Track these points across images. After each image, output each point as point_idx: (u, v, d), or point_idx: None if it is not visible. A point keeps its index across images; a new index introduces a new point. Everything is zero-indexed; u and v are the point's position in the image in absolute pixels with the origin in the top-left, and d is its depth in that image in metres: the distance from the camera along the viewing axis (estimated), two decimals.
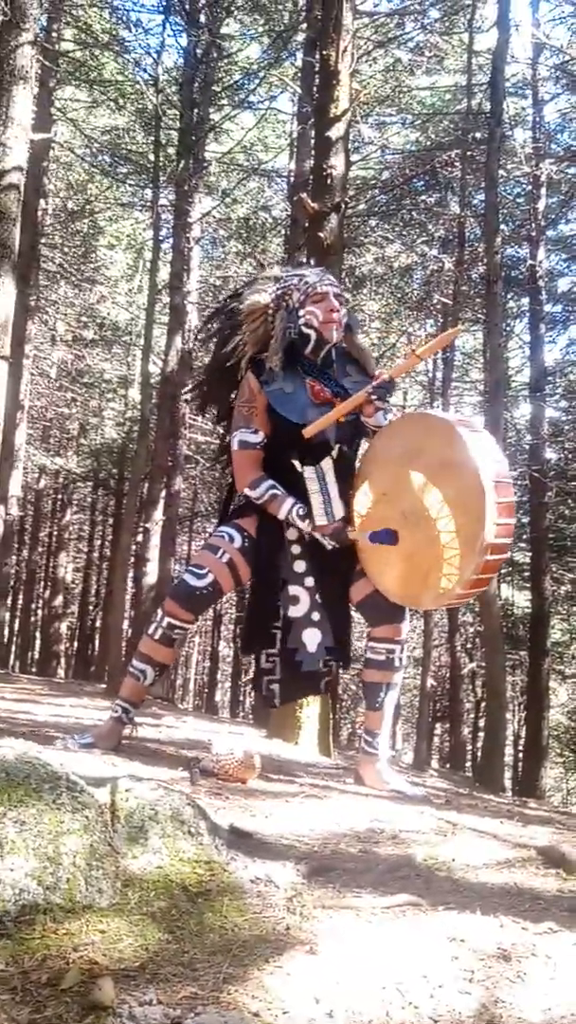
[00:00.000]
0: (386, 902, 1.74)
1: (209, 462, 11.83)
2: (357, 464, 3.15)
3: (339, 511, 2.97)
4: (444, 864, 2.02)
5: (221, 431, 3.41)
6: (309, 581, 3.04)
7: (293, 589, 3.04)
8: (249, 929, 1.56)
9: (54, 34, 11.26)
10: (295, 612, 3.03)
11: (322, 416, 2.96)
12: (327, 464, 3.01)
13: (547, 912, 1.73)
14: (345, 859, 2.03)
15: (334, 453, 3.03)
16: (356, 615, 3.29)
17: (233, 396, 3.16)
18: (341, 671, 3.22)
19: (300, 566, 3.05)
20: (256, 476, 2.99)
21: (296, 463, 3.00)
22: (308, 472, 3.00)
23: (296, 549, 3.05)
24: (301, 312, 2.99)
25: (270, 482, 2.98)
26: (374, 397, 2.98)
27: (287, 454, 3.00)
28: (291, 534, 3.05)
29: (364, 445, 3.23)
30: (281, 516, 2.96)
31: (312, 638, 3.03)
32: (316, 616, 3.03)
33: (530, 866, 2.08)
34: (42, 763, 1.70)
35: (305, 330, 3.00)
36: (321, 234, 5.07)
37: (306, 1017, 1.28)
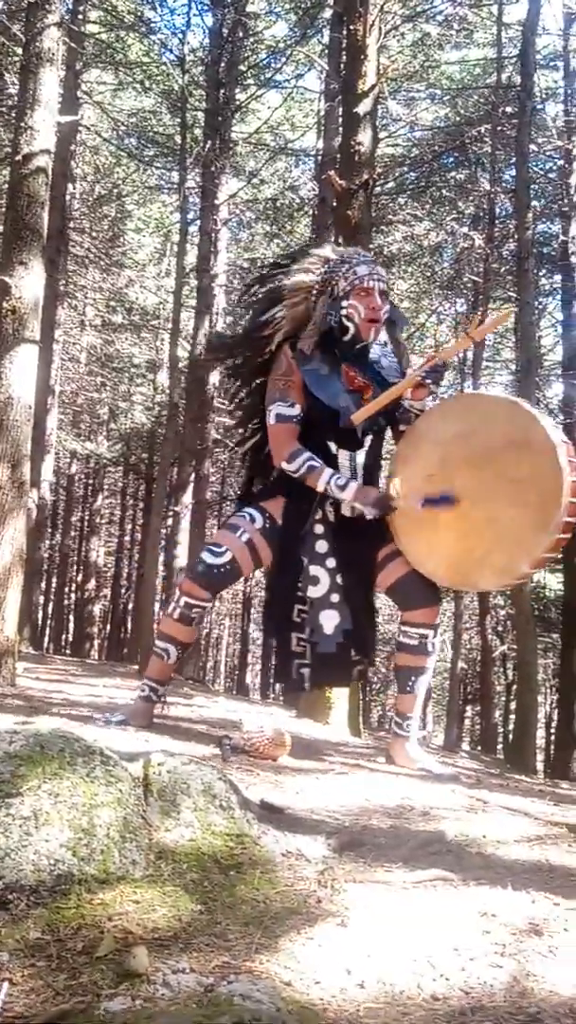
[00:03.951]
0: (417, 876, 1.75)
1: (230, 447, 11.74)
2: (387, 452, 3.12)
3: None
4: (475, 840, 2.02)
5: (243, 395, 3.35)
6: (330, 562, 3.00)
7: (313, 569, 3.00)
8: (280, 901, 1.58)
9: (80, 16, 11.23)
10: (314, 592, 2.99)
11: (354, 401, 2.95)
12: (360, 456, 3.02)
13: None
14: (376, 834, 2.04)
15: (366, 442, 3.02)
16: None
17: (257, 365, 3.14)
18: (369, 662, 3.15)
19: (322, 547, 3.01)
20: (294, 448, 2.95)
21: (332, 445, 2.99)
22: (343, 458, 3.00)
23: (319, 529, 3.02)
24: (344, 303, 2.95)
25: (308, 454, 2.94)
26: (428, 380, 2.96)
27: (320, 436, 2.99)
28: (316, 515, 3.02)
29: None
30: (320, 487, 2.92)
31: (330, 619, 2.98)
32: (335, 598, 2.99)
33: (562, 843, 2.08)
34: (76, 737, 1.73)
35: (345, 322, 2.96)
36: (349, 212, 5.02)
37: (337, 987, 1.29)
